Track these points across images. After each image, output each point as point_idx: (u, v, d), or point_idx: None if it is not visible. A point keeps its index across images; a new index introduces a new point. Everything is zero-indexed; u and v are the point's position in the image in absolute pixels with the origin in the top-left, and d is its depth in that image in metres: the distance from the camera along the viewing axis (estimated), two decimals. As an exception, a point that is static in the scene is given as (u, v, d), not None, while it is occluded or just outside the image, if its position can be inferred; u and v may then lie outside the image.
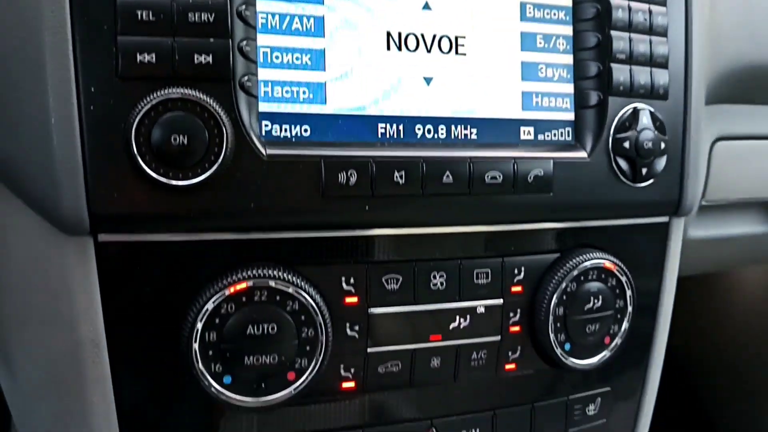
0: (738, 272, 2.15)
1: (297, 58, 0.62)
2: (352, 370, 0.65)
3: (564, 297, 0.70)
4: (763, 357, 2.15)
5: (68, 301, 0.58)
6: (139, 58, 0.54)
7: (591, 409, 0.78)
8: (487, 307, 0.69)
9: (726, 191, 1.09)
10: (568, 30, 0.72)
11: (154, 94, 0.54)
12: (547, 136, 0.71)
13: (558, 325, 0.70)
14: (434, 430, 0.70)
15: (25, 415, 0.67)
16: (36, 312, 0.61)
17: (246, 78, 0.58)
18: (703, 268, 1.29)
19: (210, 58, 0.56)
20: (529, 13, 0.70)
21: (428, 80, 0.67)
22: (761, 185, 1.10)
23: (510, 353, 0.71)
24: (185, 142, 0.55)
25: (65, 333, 0.59)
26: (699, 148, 0.79)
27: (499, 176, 0.65)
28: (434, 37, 0.66)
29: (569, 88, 0.72)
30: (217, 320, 0.58)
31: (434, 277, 0.66)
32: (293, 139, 0.62)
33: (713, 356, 2.39)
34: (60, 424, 0.62)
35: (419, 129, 0.66)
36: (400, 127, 0.65)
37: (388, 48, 0.65)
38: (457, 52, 0.67)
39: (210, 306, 0.58)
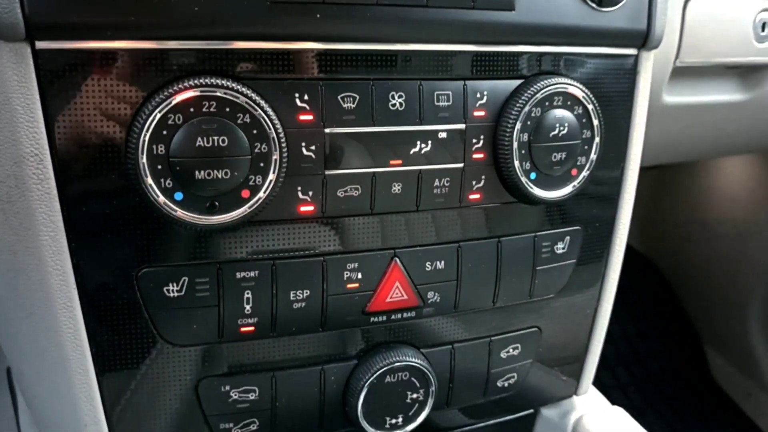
0: (714, 167, 2.15)
1: None
2: (311, 193, 0.63)
3: (528, 122, 0.68)
4: (738, 259, 2.17)
5: (8, 114, 0.55)
6: None
7: (560, 248, 0.77)
8: (449, 132, 0.67)
9: (699, 53, 1.06)
10: None
11: None
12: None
13: (522, 152, 0.68)
14: (397, 260, 0.69)
15: None
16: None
17: None
18: (679, 143, 1.28)
19: None
20: None
21: None
22: (734, 47, 1.08)
23: (474, 182, 0.69)
24: None
25: (6, 149, 0.56)
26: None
27: None
28: None
29: None
30: (164, 132, 0.56)
31: (393, 97, 0.64)
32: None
33: (695, 263, 2.41)
34: (5, 248, 0.60)
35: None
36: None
37: None
38: None
39: (157, 116, 0.55)
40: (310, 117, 0.62)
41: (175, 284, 0.62)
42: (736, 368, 2.35)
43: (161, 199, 0.57)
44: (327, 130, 0.62)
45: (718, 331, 2.40)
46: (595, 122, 0.72)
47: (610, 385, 2.34)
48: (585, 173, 0.73)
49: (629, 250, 2.80)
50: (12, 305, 0.64)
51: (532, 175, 0.70)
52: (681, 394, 2.38)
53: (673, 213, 2.46)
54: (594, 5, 0.69)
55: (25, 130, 0.55)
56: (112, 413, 0.65)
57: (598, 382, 2.52)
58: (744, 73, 1.17)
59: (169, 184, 0.57)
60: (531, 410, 0.89)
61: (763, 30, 1.11)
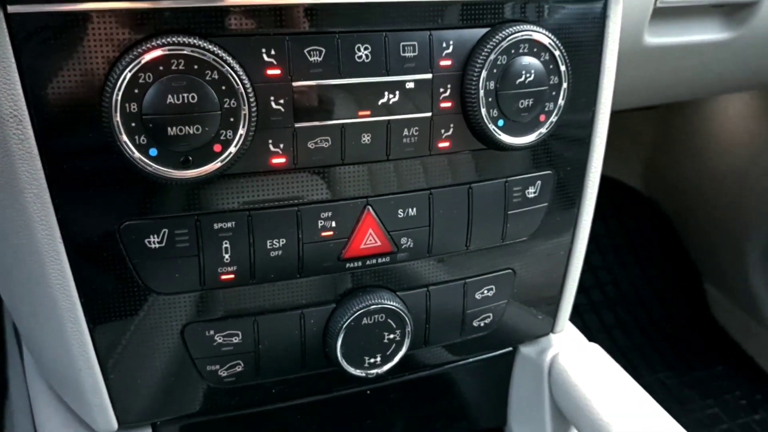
0: (717, 107, 2.14)
1: None
2: (282, 146, 0.66)
3: (494, 70, 0.69)
4: (737, 196, 2.18)
5: (-15, 77, 0.58)
6: None
7: (531, 192, 0.79)
8: (416, 82, 0.69)
9: (681, -9, 1.06)
10: None
11: None
12: None
13: (489, 99, 0.70)
14: (370, 208, 0.72)
15: None
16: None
17: None
18: (665, 85, 1.28)
19: None
20: None
21: None
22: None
23: (443, 131, 0.71)
24: None
25: (-14, 111, 0.59)
26: None
27: None
28: None
29: None
30: (136, 90, 0.58)
31: (358, 49, 0.66)
32: None
33: (696, 201, 2.42)
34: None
35: None
36: None
37: None
38: None
39: (127, 75, 0.58)
40: (277, 71, 0.64)
41: (156, 236, 0.65)
42: (737, 306, 2.38)
43: (136, 155, 0.60)
44: (295, 84, 0.64)
45: (719, 270, 2.43)
46: (562, 68, 0.73)
47: (611, 325, 2.38)
48: (553, 119, 0.74)
49: (633, 192, 2.81)
50: (7, 259, 0.68)
51: (500, 122, 0.71)
52: (682, 333, 2.43)
53: (676, 154, 2.46)
54: None
55: (3, 92, 0.58)
56: (105, 358, 0.69)
57: (600, 323, 2.57)
58: (728, 11, 1.16)
59: (143, 140, 0.60)
60: (510, 348, 0.93)
61: (747, -33, 1.11)
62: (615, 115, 0.83)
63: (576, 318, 0.94)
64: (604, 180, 0.90)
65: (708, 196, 2.34)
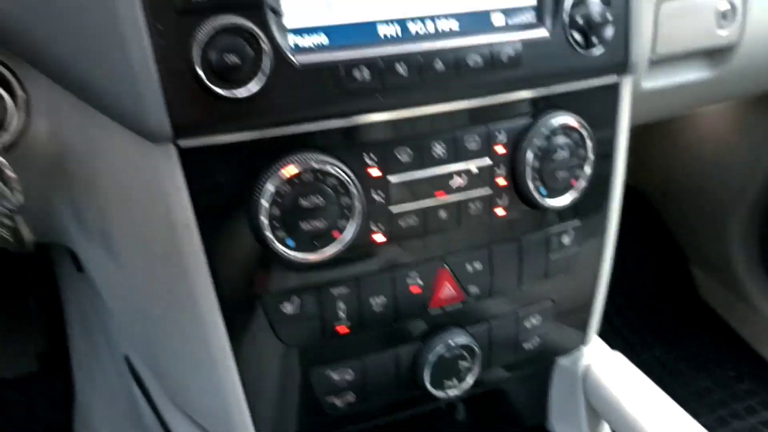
0: (689, 116, 2.34)
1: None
2: (381, 226, 0.84)
3: (538, 152, 0.88)
4: (716, 183, 2.37)
5: (162, 195, 0.74)
6: None
7: (566, 240, 0.98)
8: (479, 167, 0.87)
9: (672, 45, 1.25)
10: None
11: (209, 25, 0.68)
12: (515, 20, 0.86)
13: (534, 175, 0.89)
14: (446, 265, 0.90)
15: (125, 300, 0.87)
16: (135, 207, 0.78)
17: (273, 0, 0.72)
18: (658, 114, 1.48)
19: None
20: None
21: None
22: (701, 36, 1.27)
23: (499, 201, 0.90)
24: (237, 60, 0.70)
25: (162, 220, 0.76)
26: (641, 14, 0.95)
27: (480, 60, 0.81)
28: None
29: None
30: (278, 198, 0.76)
31: (435, 146, 0.84)
32: (315, 48, 0.77)
33: (678, 190, 2.61)
34: (167, 287, 0.81)
35: (412, 26, 0.81)
36: (398, 28, 0.80)
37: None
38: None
39: (271, 188, 0.75)
40: (378, 173, 0.82)
41: (289, 303, 0.83)
42: (720, 285, 2.58)
43: (279, 246, 0.77)
44: (390, 178, 0.83)
45: (704, 254, 2.62)
46: (589, 144, 0.91)
47: (608, 312, 2.58)
48: (583, 183, 0.93)
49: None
50: (172, 331, 0.86)
51: (543, 191, 0.90)
52: (673, 313, 2.62)
53: (660, 146, 2.65)
54: (583, 51, 0.88)
55: (178, 208, 0.75)
56: (250, 395, 0.87)
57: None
58: (710, 54, 1.36)
59: (283, 235, 0.77)
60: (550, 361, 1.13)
61: (723, 18, 1.30)
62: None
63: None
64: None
65: (690, 183, 2.53)
